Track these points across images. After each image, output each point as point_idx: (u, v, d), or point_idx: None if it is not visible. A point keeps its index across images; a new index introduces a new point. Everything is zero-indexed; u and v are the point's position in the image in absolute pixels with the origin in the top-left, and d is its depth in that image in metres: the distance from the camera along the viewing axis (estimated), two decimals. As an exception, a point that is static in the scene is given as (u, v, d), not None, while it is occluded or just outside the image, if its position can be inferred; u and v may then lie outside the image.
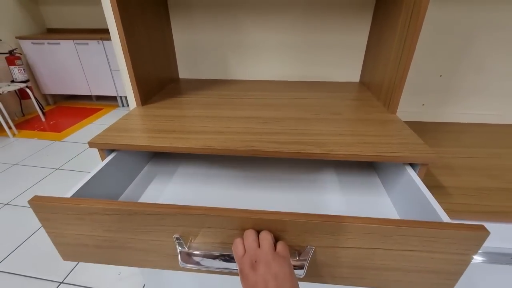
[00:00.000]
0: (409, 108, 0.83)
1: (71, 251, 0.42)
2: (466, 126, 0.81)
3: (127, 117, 0.56)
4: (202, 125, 0.52)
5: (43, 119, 2.66)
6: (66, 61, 2.76)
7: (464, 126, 0.81)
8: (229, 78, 0.85)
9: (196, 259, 0.37)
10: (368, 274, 0.37)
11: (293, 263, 0.34)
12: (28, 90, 2.51)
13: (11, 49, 2.52)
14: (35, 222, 1.41)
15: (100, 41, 2.60)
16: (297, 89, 0.74)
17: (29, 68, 2.82)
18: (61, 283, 1.11)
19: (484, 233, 0.32)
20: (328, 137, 0.47)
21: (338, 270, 0.38)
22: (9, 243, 1.29)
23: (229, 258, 0.36)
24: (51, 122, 2.61)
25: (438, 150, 0.67)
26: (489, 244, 0.50)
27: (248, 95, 0.70)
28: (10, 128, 2.36)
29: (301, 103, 0.64)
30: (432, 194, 0.51)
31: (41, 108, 2.71)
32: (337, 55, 0.79)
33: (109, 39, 2.56)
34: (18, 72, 2.53)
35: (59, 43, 2.66)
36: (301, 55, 0.80)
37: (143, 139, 0.47)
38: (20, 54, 2.65)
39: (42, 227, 1.34)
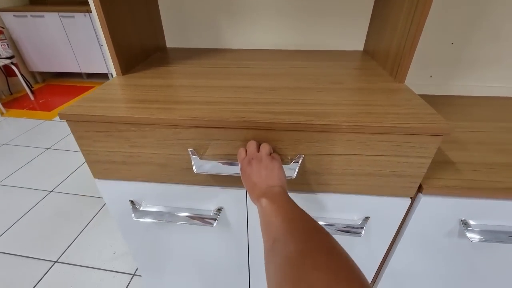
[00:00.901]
0: (415, 80, 0.77)
1: (102, 168, 0.48)
2: (475, 99, 0.75)
3: (104, 87, 0.50)
4: (189, 95, 0.47)
5: (32, 97, 2.56)
6: (52, 36, 2.61)
7: (473, 99, 0.76)
8: (221, 47, 0.78)
9: (207, 166, 0.43)
10: (347, 180, 0.44)
11: (287, 166, 0.41)
12: (13, 67, 2.39)
13: (-9, 22, 2.36)
14: (27, 202, 1.38)
15: (87, 14, 2.44)
16: (295, 58, 0.68)
17: (13, 44, 2.67)
18: (55, 262, 1.10)
19: (438, 138, 0.38)
20: (329, 107, 0.42)
21: (323, 177, 0.44)
22: (2, 222, 1.27)
23: (234, 164, 0.42)
24: (40, 101, 2.52)
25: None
26: (500, 222, 0.47)
27: (241, 64, 0.63)
28: (-3, 107, 2.27)
29: (298, 72, 0.58)
30: (439, 170, 0.47)
31: (30, 87, 2.60)
32: (339, 22, 0.71)
33: (96, 11, 2.40)
34: (1, 48, 2.39)
35: (43, 16, 2.50)
36: (300, 21, 0.72)
37: (120, 110, 0.42)
38: (2, 28, 2.49)
39: (36, 206, 1.32)
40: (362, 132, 0.38)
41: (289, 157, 0.42)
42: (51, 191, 1.46)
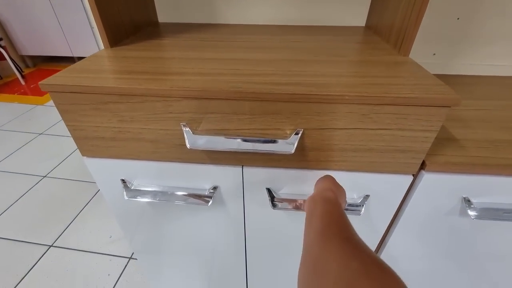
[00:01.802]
0: (418, 58, 0.73)
1: (90, 145, 0.45)
2: (479, 79, 0.73)
3: (90, 58, 0.47)
4: (181, 67, 0.44)
5: (22, 82, 2.49)
6: (41, 18, 2.50)
7: (477, 78, 0.73)
8: (216, 22, 0.74)
9: (201, 141, 0.40)
10: (348, 156, 0.42)
11: (286, 141, 0.39)
12: (2, 50, 2.30)
13: (-24, 2, 2.25)
14: (20, 187, 1.36)
15: (77, -6, 2.34)
16: (293, 33, 0.64)
17: (1, 26, 2.57)
18: (50, 246, 1.09)
19: (445, 110, 0.36)
20: (330, 78, 0.40)
21: (323, 153, 0.42)
22: (-6, 208, 1.25)
23: (231, 138, 0.40)
24: (31, 86, 2.45)
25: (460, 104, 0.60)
26: (503, 200, 0.45)
27: (236, 38, 0.60)
28: (-13, 91, 2.21)
29: (297, 46, 0.55)
30: (443, 147, 0.46)
31: (20, 71, 2.52)
32: (340, -5, 0.68)
33: (86, -10, 2.29)
34: (-12, 30, 2.30)
35: (30, -4, 2.39)
36: (300, -6, 0.68)
37: (107, 81, 0.39)
38: (-12, 8, 2.39)
39: (29, 191, 1.30)
40: (366, 103, 0.36)
41: (287, 132, 0.40)
42: (45, 176, 1.43)
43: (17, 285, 0.96)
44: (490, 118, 0.55)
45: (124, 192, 0.49)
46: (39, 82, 0.38)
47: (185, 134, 0.40)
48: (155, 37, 0.60)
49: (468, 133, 0.50)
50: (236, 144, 0.39)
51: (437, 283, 0.63)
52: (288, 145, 0.39)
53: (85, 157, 0.47)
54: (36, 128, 1.84)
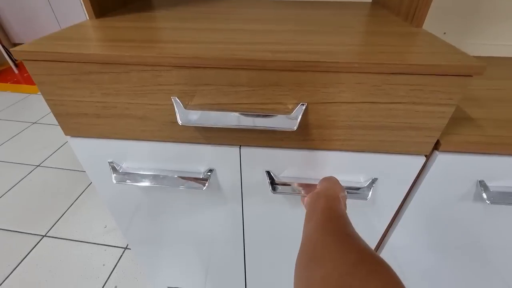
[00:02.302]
0: (427, 37, 0.70)
1: (72, 123, 0.41)
2: (492, 59, 0.69)
3: (73, 27, 0.43)
4: (172, 36, 0.40)
5: (15, 71, 2.43)
6: (34, 4, 2.42)
7: (489, 59, 0.69)
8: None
9: (194, 116, 0.36)
10: (356, 135, 0.38)
11: (288, 116, 0.35)
12: (-7, 37, 2.23)
13: (-35, -14, 2.17)
14: (13, 176, 1.33)
15: (70, -21, 2.26)
16: (296, 6, 0.60)
17: (-8, 12, 2.49)
18: (44, 236, 1.06)
19: (467, 79, 0.32)
20: (337, 47, 0.36)
21: (328, 131, 0.38)
22: (-15, 197, 1.22)
23: (226, 111, 0.36)
24: (25, 74, 2.39)
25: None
26: (521, 182, 0.42)
27: (235, 11, 0.55)
28: (-21, 80, 2.15)
29: (300, 18, 0.50)
30: (458, 126, 0.42)
31: (13, 59, 2.45)
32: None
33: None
34: (-22, 16, 2.22)
35: (22, -19, 2.31)
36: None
37: (88, 48, 0.35)
38: (-22, -7, 2.31)
39: (22, 181, 1.26)
40: (378, 71, 0.32)
41: (289, 106, 0.36)
42: (38, 165, 1.40)
43: (9, 275, 0.93)
44: (505, 97, 0.52)
45: (113, 176, 0.45)
46: (11, 49, 0.34)
47: (176, 108, 0.36)
48: (147, 9, 0.55)
49: (484, 112, 0.46)
50: (232, 119, 0.35)
51: (447, 273, 0.61)
52: (290, 121, 0.35)
53: (68, 136, 0.43)
54: (30, 117, 1.79)
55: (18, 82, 2.26)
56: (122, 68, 0.35)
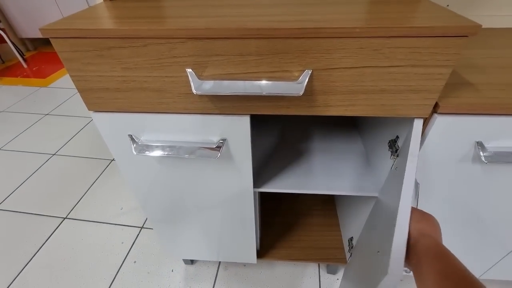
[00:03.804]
0: (430, 11, 0.71)
1: (95, 98, 0.45)
2: (496, 31, 0.70)
3: (89, 9, 0.46)
4: (185, 12, 0.42)
5: (24, 65, 2.48)
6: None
7: (494, 30, 0.70)
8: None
9: (207, 85, 0.39)
10: (358, 99, 0.41)
11: (294, 82, 0.38)
12: (1, 32, 2.27)
13: (-29, -18, 2.20)
14: (31, 165, 1.39)
15: (72, -30, 2.26)
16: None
17: (-2, 8, 2.52)
18: (64, 218, 1.13)
19: (463, 40, 0.34)
20: (340, 15, 0.38)
21: (332, 97, 0.41)
22: (8, 184, 1.28)
23: (237, 80, 0.39)
24: (34, 68, 2.44)
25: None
26: (517, 142, 0.44)
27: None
28: (-10, 75, 2.21)
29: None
30: (456, 90, 0.44)
31: (21, 54, 2.50)
32: None
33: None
34: (-15, 11, 2.26)
35: (25, -25, 2.32)
36: None
37: (109, 24, 0.38)
38: (-16, -11, 2.34)
39: (40, 169, 1.32)
40: (377, 35, 0.34)
41: (296, 74, 0.39)
42: (54, 154, 1.46)
43: (35, 253, 1.00)
44: (506, 64, 0.53)
45: (133, 147, 0.49)
46: (40, 28, 0.37)
47: (190, 78, 0.39)
48: (155, -9, 0.58)
49: (483, 77, 0.48)
50: (243, 87, 0.38)
51: (447, 236, 0.64)
52: (296, 86, 0.38)
53: (91, 111, 0.47)
54: (42, 109, 1.84)
55: (27, 76, 2.31)
56: (140, 42, 0.38)
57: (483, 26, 0.71)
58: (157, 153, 0.49)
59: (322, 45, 0.36)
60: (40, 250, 1.01)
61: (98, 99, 0.45)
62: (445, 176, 0.50)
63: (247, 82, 0.38)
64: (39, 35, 2.67)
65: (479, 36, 0.66)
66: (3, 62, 2.57)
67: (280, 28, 0.35)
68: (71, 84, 2.14)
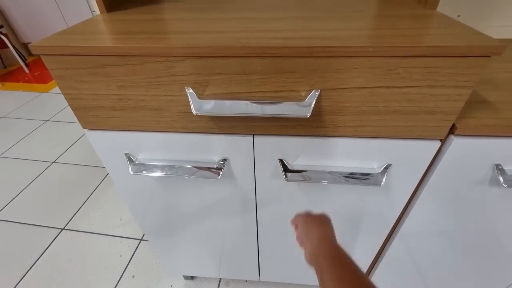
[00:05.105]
0: (440, 21, 0.68)
1: (90, 116, 0.43)
2: (510, 42, 0.67)
3: (86, 22, 0.43)
4: (183, 27, 0.40)
5: (26, 70, 2.48)
6: (41, 4, 2.45)
7: (507, 41, 0.67)
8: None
9: (208, 106, 0.37)
10: (369, 121, 0.38)
11: (301, 104, 0.35)
12: (3, 37, 2.27)
13: (-26, -12, 2.21)
14: (30, 173, 1.37)
15: (75, -24, 2.26)
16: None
17: (1, 13, 2.53)
18: (62, 229, 1.10)
19: (484, 60, 0.32)
20: (350, 32, 0.35)
21: (341, 118, 0.39)
22: (7, 192, 1.26)
23: (240, 100, 0.36)
24: (35, 74, 2.43)
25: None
26: (540, 165, 0.41)
27: (244, 0, 0.55)
28: (-8, 80, 2.20)
29: (309, 4, 0.50)
30: (474, 110, 0.41)
31: (23, 59, 2.50)
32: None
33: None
34: (-12, 17, 2.26)
35: (28, -20, 2.33)
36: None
37: (103, 41, 0.35)
38: (-13, -6, 2.34)
39: (39, 177, 1.30)
40: (393, 55, 0.32)
41: (303, 94, 0.36)
42: (53, 162, 1.44)
43: (32, 265, 0.97)
44: (524, 80, 0.50)
45: (129, 167, 0.46)
46: (30, 44, 0.35)
47: (190, 98, 0.36)
48: (156, 2, 0.55)
49: (501, 95, 0.45)
50: (246, 108, 0.36)
51: (461, 259, 0.60)
52: (303, 108, 0.35)
53: (86, 129, 0.45)
54: (42, 115, 1.83)
55: (29, 81, 2.31)
56: (136, 60, 0.35)
57: (498, 37, 0.69)
58: (155, 173, 0.46)
59: (332, 65, 0.33)
60: (37, 262, 0.98)
61: (92, 117, 0.42)
62: (461, 199, 0.47)
63: (250, 103, 0.36)
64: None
65: (492, 47, 0.63)
66: (5, 67, 2.57)
67: (287, 47, 0.32)
68: (72, 90, 2.12)
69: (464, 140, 0.40)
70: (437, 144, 0.40)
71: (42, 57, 0.36)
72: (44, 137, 1.63)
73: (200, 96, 0.37)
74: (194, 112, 0.37)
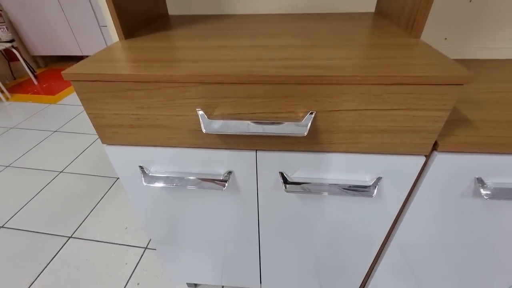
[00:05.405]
0: (429, 43, 0.73)
1: (110, 133, 0.47)
2: (494, 62, 0.72)
3: (107, 50, 0.49)
4: (195, 54, 0.45)
5: (35, 82, 2.56)
6: (51, 18, 2.56)
7: (491, 62, 0.72)
8: (224, 13, 0.75)
9: (216, 125, 0.41)
10: (360, 138, 0.43)
11: (299, 124, 0.40)
12: (15, 51, 2.36)
13: (-11, 4, 2.32)
14: (39, 182, 1.41)
15: (85, -7, 2.37)
16: (302, 20, 0.65)
17: (12, 27, 2.63)
18: (70, 237, 1.14)
19: (458, 88, 0.36)
20: (341, 61, 0.40)
21: (335, 136, 0.43)
22: (15, 201, 1.30)
23: (244, 120, 0.41)
24: (44, 85, 2.51)
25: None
26: (516, 179, 0.45)
27: (246, 27, 0.61)
28: (2, 92, 2.28)
29: (307, 32, 0.55)
30: (455, 128, 0.46)
31: (32, 71, 2.59)
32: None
33: (94, -11, 2.33)
34: (1, 31, 2.36)
35: (40, -3, 2.44)
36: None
37: (125, 69, 0.40)
38: (1, 10, 2.45)
39: (47, 186, 1.35)
40: (377, 83, 0.37)
41: (300, 115, 0.41)
42: (61, 171, 1.48)
43: (40, 273, 1.00)
44: (505, 100, 0.55)
45: (142, 178, 0.51)
46: (62, 72, 0.40)
47: (200, 119, 0.41)
48: (167, 29, 0.61)
49: (482, 114, 0.50)
50: (250, 127, 0.40)
51: (453, 268, 0.64)
52: (301, 128, 0.40)
53: (105, 144, 0.49)
54: (51, 126, 1.89)
55: (38, 93, 2.38)
56: (154, 85, 0.40)
57: (483, 58, 0.74)
58: (166, 184, 0.50)
59: (326, 91, 0.38)
60: (45, 270, 1.01)
61: (112, 134, 0.47)
62: (448, 210, 0.51)
63: (253, 123, 0.40)
64: (50, 52, 2.79)
65: (478, 68, 0.69)
66: (15, 79, 2.66)
67: (286, 76, 0.37)
68: (79, 102, 2.19)
69: (447, 156, 0.44)
70: (422, 159, 0.45)
71: (72, 83, 0.41)
72: (52, 147, 1.68)
73: (210, 116, 0.42)
74: (203, 130, 0.41)
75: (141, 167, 0.51)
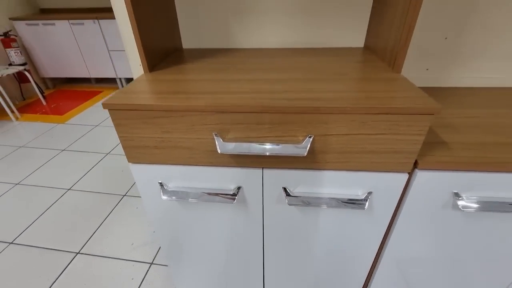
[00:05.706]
0: (413, 73, 0.83)
1: (136, 153, 0.55)
2: (470, 90, 0.81)
3: (135, 82, 0.57)
4: (210, 87, 0.53)
5: (44, 102, 2.66)
6: (62, 43, 2.71)
7: (468, 90, 0.81)
8: (232, 47, 0.85)
9: (230, 147, 0.49)
10: (352, 158, 0.50)
11: (299, 146, 0.48)
12: (27, 73, 2.48)
13: (5, 30, 2.46)
14: (47, 199, 1.46)
15: (96, 21, 2.54)
16: (301, 54, 0.74)
17: (25, 51, 2.78)
18: (77, 253, 1.17)
19: (430, 117, 0.44)
20: (335, 94, 0.49)
21: (330, 156, 0.50)
22: (24, 218, 1.34)
23: (253, 142, 0.49)
24: (52, 106, 2.61)
25: (441, 112, 0.68)
26: (489, 194, 0.52)
27: (253, 61, 0.70)
28: (12, 112, 2.37)
29: (305, 66, 0.64)
30: (433, 149, 0.53)
31: (41, 92, 2.70)
32: (340, 21, 0.78)
33: (105, 18, 2.50)
34: (15, 55, 2.50)
35: (54, 24, 2.60)
36: (305, 22, 0.79)
37: (154, 100, 0.49)
38: (15, 36, 2.60)
39: (56, 203, 1.39)
40: (365, 113, 0.45)
41: (300, 138, 0.49)
42: (69, 189, 1.53)
43: (50, 287, 1.03)
44: (478, 124, 0.63)
45: (161, 193, 0.57)
46: (102, 102, 0.48)
47: (216, 141, 0.49)
48: (183, 62, 0.70)
49: (457, 137, 0.58)
50: (258, 148, 0.48)
51: (431, 277, 0.69)
52: (301, 149, 0.47)
53: (130, 163, 0.56)
54: (59, 145, 1.96)
55: (46, 113, 2.48)
56: (178, 114, 0.48)
57: (461, 86, 0.84)
58: (183, 198, 0.57)
59: (322, 118, 0.46)
60: (53, 285, 1.04)
61: (138, 154, 0.54)
62: (432, 220, 0.58)
63: (261, 145, 0.48)
64: (59, 74, 2.92)
65: (456, 95, 0.78)
66: (24, 99, 2.76)
67: (289, 106, 0.45)
68: (87, 121, 2.28)
69: (426, 173, 0.51)
70: (406, 176, 0.52)
71: (110, 112, 0.49)
72: (60, 165, 1.74)
73: (224, 139, 0.50)
74: (219, 151, 0.49)
75: (160, 183, 0.58)
